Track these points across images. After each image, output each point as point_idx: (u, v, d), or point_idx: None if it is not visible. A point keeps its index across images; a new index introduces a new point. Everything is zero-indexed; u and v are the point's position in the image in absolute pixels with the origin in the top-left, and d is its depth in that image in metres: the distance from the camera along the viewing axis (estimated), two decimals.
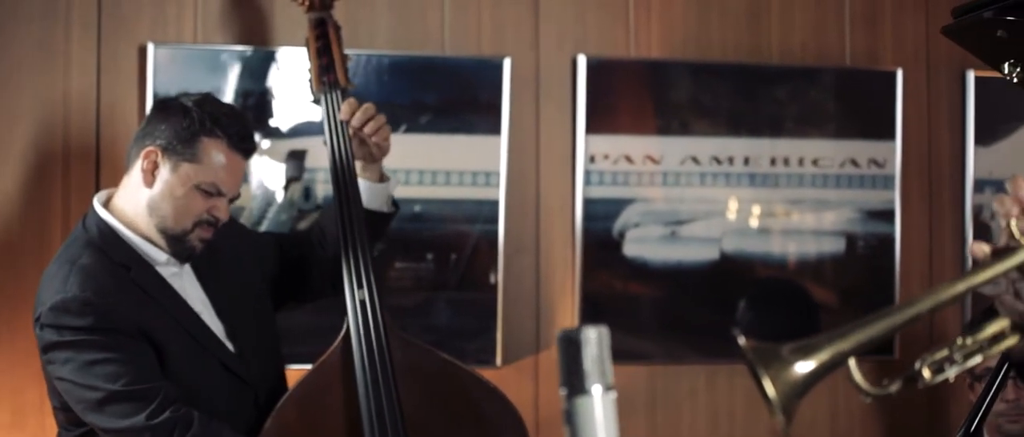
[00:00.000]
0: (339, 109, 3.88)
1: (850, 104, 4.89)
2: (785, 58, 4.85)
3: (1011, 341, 2.07)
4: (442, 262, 4.60)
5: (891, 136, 4.89)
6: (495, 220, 4.60)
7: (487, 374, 4.57)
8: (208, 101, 3.66)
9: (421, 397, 3.80)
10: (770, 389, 1.97)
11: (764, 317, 4.80)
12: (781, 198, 4.82)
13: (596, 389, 1.98)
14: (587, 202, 4.67)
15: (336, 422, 3.77)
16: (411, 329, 4.35)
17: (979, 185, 4.96)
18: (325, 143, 3.90)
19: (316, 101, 3.94)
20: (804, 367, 1.98)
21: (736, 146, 4.78)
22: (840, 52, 4.91)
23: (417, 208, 4.56)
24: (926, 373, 2.06)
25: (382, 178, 3.93)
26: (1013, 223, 2.05)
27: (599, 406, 1.99)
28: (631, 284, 4.72)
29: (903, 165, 4.91)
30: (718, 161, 4.77)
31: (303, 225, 4.45)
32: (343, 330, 3.80)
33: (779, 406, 1.97)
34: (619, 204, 4.71)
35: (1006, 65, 3.14)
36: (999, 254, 2.05)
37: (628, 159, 4.70)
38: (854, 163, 4.87)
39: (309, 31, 4.01)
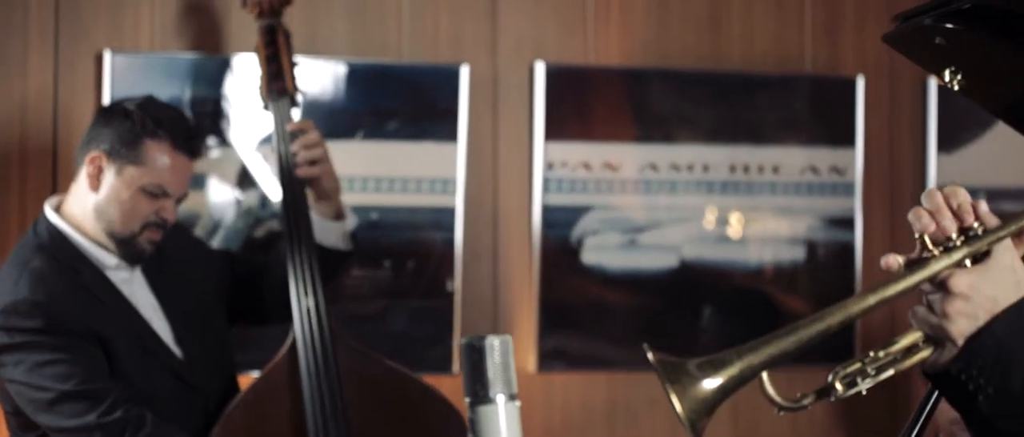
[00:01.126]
0: (288, 117, 3.90)
1: (811, 111, 4.88)
2: (746, 65, 4.85)
3: (924, 354, 2.06)
4: (399, 269, 4.59)
5: (851, 143, 4.88)
6: (452, 227, 4.59)
7: (444, 382, 4.57)
8: (150, 104, 3.69)
9: (367, 404, 3.80)
10: (677, 404, 1.97)
11: (727, 325, 4.79)
12: (741, 205, 4.81)
13: (500, 398, 1.98)
14: (545, 209, 4.66)
15: (282, 428, 3.78)
16: (368, 337, 4.35)
17: None
18: (273, 149, 3.92)
19: (265, 108, 3.97)
20: (713, 382, 1.98)
21: (696, 153, 4.77)
22: (801, 59, 4.90)
23: (374, 216, 4.55)
24: (839, 386, 2.06)
25: (338, 215, 3.94)
26: (927, 235, 2.04)
27: (503, 415, 1.99)
28: (590, 291, 4.71)
29: (864, 172, 4.90)
30: (677, 168, 4.76)
31: (260, 233, 4.45)
32: (290, 337, 3.81)
33: (687, 421, 1.97)
34: (577, 211, 4.70)
35: (947, 72, 3.13)
36: (913, 265, 2.04)
37: (586, 166, 4.70)
38: (814, 170, 4.87)
39: (259, 38, 4.03)
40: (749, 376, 2.00)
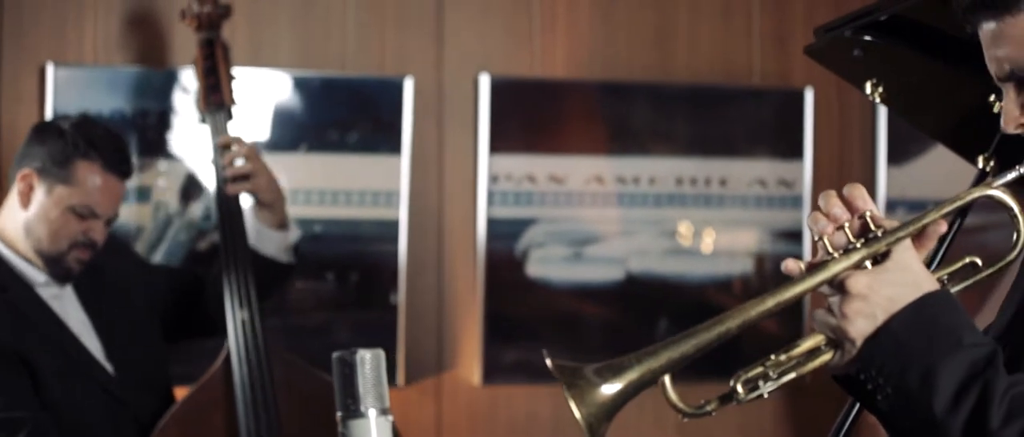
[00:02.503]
0: (224, 129, 3.92)
1: (758, 124, 4.88)
2: (693, 77, 4.84)
3: (825, 357, 2.05)
4: (343, 282, 4.59)
5: (800, 156, 4.88)
6: (396, 240, 4.58)
7: (389, 394, 4.56)
8: (84, 123, 3.71)
9: (301, 416, 3.80)
10: (576, 409, 1.96)
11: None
12: (689, 218, 4.80)
13: (371, 412, 1.98)
14: (490, 222, 4.66)
15: None
16: (311, 349, 4.34)
17: (891, 205, 4.95)
18: (212, 162, 3.93)
19: (202, 121, 3.98)
20: (612, 387, 1.97)
21: (642, 166, 4.77)
22: (749, 71, 4.90)
23: (317, 228, 4.55)
24: (740, 390, 2.05)
25: (281, 225, 3.94)
26: (825, 238, 2.04)
27: (374, 429, 1.99)
28: (535, 304, 4.70)
29: (813, 185, 4.89)
30: (623, 181, 4.76)
31: (203, 245, 4.45)
32: (224, 350, 3.82)
33: (586, 425, 1.97)
34: (522, 224, 4.69)
35: (868, 85, 3.13)
36: (812, 269, 2.04)
37: (532, 179, 4.69)
38: (762, 183, 4.86)
39: (197, 51, 4.03)
40: (649, 381, 1.99)
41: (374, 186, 4.58)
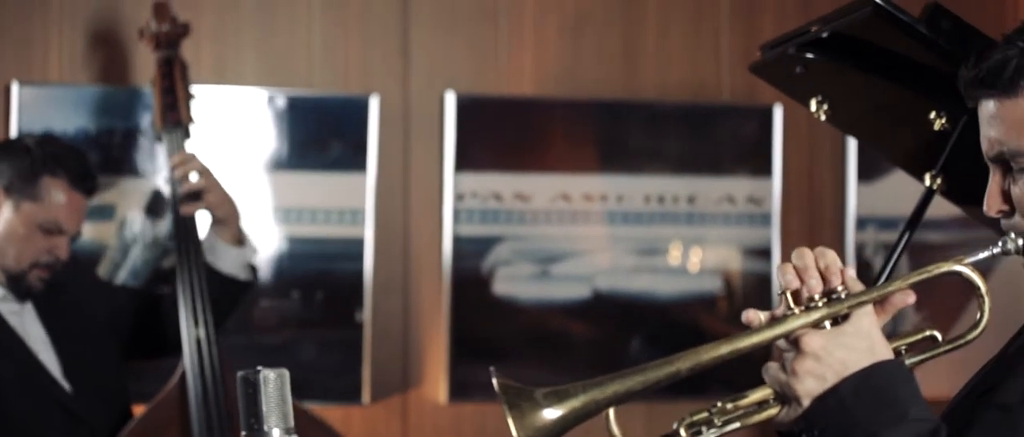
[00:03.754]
0: (181, 148, 3.94)
1: (727, 141, 4.86)
2: (662, 95, 4.83)
3: (772, 411, 2.06)
4: (308, 300, 4.58)
5: (769, 173, 4.86)
6: (360, 258, 4.58)
7: (354, 412, 4.57)
8: (48, 141, 3.77)
9: None
10: (514, 430, 1.95)
11: (641, 356, 4.76)
12: (656, 236, 4.79)
13: (275, 432, 1.97)
14: (456, 240, 4.65)
15: None
16: (277, 367, 4.34)
17: (861, 222, 4.93)
18: (167, 180, 3.94)
19: (158, 139, 4.00)
20: (554, 412, 1.97)
21: (610, 184, 4.75)
22: (718, 88, 4.89)
23: (283, 246, 4.54)
24: (683, 434, 2.05)
25: (238, 241, 3.94)
26: (789, 292, 2.03)
27: None
28: (501, 322, 4.69)
29: (783, 202, 4.88)
30: (590, 199, 4.75)
31: (168, 263, 4.44)
32: (179, 369, 3.82)
33: None
34: (488, 242, 4.68)
35: (813, 102, 3.13)
36: (772, 322, 2.03)
37: (498, 197, 4.68)
38: (731, 201, 4.85)
39: (155, 70, 4.04)
40: (593, 410, 1.99)
41: (339, 204, 4.57)
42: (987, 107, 2.06)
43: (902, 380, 1.97)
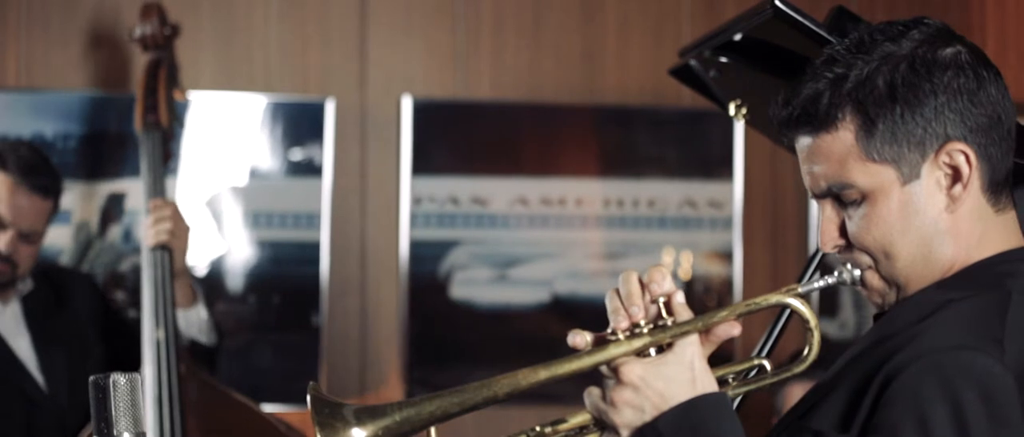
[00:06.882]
0: (159, 149, 3.97)
1: (688, 145, 4.85)
2: (621, 98, 4.82)
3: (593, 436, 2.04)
4: (264, 304, 4.58)
5: (730, 177, 4.85)
6: (317, 262, 4.58)
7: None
8: (2, 141, 3.93)
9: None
10: None
11: None
12: (616, 239, 4.78)
13: (125, 436, 1.97)
14: (413, 244, 4.65)
15: None
16: (233, 371, 4.36)
17: None
18: (142, 180, 3.97)
19: (138, 140, 4.01)
20: (363, 431, 1.95)
21: (570, 187, 4.75)
22: (678, 92, 4.86)
23: (239, 250, 4.55)
24: None
25: (189, 299, 3.94)
26: (619, 318, 1.99)
27: None
28: (459, 326, 4.69)
29: (745, 206, 4.86)
30: (549, 203, 4.74)
31: (124, 267, 4.46)
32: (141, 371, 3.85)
33: None
34: (445, 246, 4.68)
35: (732, 105, 3.12)
36: (597, 346, 2.00)
37: (455, 201, 4.68)
38: (692, 204, 4.83)
39: (142, 71, 4.07)
40: (407, 430, 1.97)
41: (295, 208, 4.58)
42: (805, 144, 2.03)
43: (720, 415, 1.92)
